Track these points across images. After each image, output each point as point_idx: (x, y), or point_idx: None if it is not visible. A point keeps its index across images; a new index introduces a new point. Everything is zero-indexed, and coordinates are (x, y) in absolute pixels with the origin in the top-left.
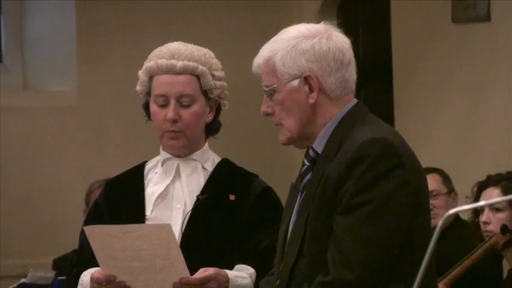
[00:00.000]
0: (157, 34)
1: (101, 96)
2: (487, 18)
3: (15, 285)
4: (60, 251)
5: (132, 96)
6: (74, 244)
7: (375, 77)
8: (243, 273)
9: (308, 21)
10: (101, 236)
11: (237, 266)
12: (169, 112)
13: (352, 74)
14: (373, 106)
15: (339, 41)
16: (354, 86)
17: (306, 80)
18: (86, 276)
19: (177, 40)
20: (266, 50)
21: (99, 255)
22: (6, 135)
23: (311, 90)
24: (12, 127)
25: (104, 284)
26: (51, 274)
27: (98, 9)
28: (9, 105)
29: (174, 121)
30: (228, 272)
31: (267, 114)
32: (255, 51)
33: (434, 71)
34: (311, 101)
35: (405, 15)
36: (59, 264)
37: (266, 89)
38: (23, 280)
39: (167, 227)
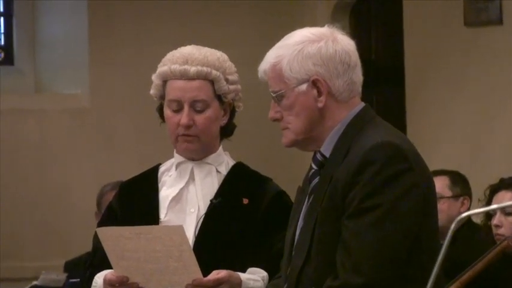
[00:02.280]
0: (170, 36)
1: (113, 99)
2: (499, 21)
3: (28, 287)
4: (71, 254)
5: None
6: (85, 247)
7: (387, 80)
8: (255, 276)
9: (321, 25)
10: (113, 237)
11: (250, 269)
12: (183, 118)
13: (358, 76)
14: (385, 109)
15: (345, 43)
16: (360, 88)
17: (314, 83)
18: (100, 278)
19: (190, 43)
20: (272, 56)
21: (111, 257)
22: (18, 138)
23: (319, 93)
24: (25, 129)
25: (116, 285)
26: (62, 277)
27: (110, 11)
28: (22, 107)
29: (188, 126)
30: (241, 274)
31: (275, 120)
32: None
33: (446, 74)
34: (320, 104)
35: (417, 19)
36: (70, 267)
37: (274, 94)
38: (34, 283)
39: (179, 229)
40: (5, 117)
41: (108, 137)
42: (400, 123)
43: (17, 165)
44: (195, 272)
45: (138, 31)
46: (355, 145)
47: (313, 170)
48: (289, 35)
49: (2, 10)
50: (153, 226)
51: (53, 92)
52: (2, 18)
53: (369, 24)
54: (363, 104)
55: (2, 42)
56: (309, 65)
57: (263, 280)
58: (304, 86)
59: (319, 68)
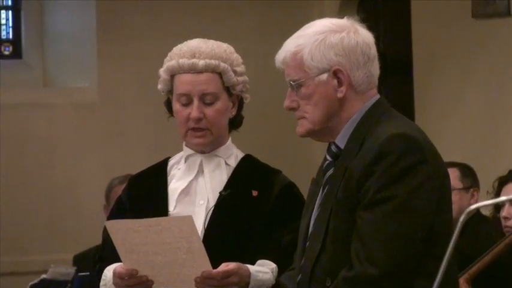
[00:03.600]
0: (177, 30)
1: (122, 93)
2: (507, 13)
3: (36, 281)
4: (80, 247)
5: (152, 92)
6: (94, 240)
7: (396, 72)
8: (264, 268)
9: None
10: (122, 230)
11: (259, 261)
12: (194, 111)
13: (376, 68)
14: (393, 101)
15: (365, 35)
16: (377, 81)
17: (335, 74)
18: (109, 271)
19: (196, 36)
20: (292, 45)
21: (120, 250)
22: (26, 132)
23: (340, 84)
24: (33, 123)
25: (126, 278)
26: (71, 270)
27: (118, 5)
28: (30, 101)
29: (199, 119)
30: (250, 266)
31: (291, 109)
32: (276, 48)
33: (454, 66)
34: (340, 95)
35: (425, 11)
36: (79, 261)
37: (293, 83)
38: (43, 276)
39: (188, 219)
40: (13, 111)
41: (116, 130)
42: (409, 116)
43: (25, 159)
44: (204, 264)
45: (146, 25)
46: (370, 136)
47: (327, 161)
48: (309, 24)
49: (10, 4)
50: (162, 217)
51: (61, 85)
52: (10, 12)
53: (376, 17)
54: (378, 96)
55: (10, 36)
56: (331, 55)
57: (272, 272)
58: (324, 76)
59: (341, 59)
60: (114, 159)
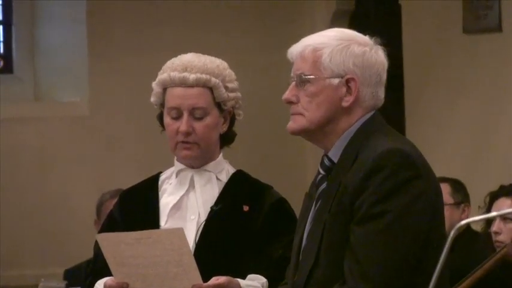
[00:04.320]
0: (169, 44)
1: (113, 107)
2: (499, 28)
3: None
4: (71, 262)
5: (143, 106)
6: (85, 254)
7: (386, 87)
8: (255, 282)
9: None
10: (113, 243)
11: (250, 276)
12: (183, 125)
13: (382, 92)
14: (384, 116)
15: (383, 58)
16: (380, 104)
17: (347, 82)
18: (100, 285)
19: (189, 50)
20: (314, 41)
21: (111, 263)
22: (17, 145)
23: (348, 93)
24: (24, 137)
25: None
26: (62, 285)
27: (109, 19)
28: (21, 115)
29: (187, 133)
30: (240, 281)
31: (289, 102)
32: (267, 61)
33: (445, 82)
34: (345, 104)
35: (416, 26)
36: (70, 275)
37: (303, 76)
38: None
39: (179, 231)
40: (4, 125)
41: (107, 144)
42: (399, 130)
43: (16, 173)
44: (195, 278)
45: (137, 39)
46: (364, 151)
47: (320, 175)
48: (333, 29)
49: (1, 18)
50: (153, 230)
51: (53, 99)
52: (1, 27)
53: (367, 30)
54: (373, 111)
55: (1, 51)
56: (350, 63)
57: (262, 286)
58: (336, 81)
59: (357, 70)
60: (105, 173)
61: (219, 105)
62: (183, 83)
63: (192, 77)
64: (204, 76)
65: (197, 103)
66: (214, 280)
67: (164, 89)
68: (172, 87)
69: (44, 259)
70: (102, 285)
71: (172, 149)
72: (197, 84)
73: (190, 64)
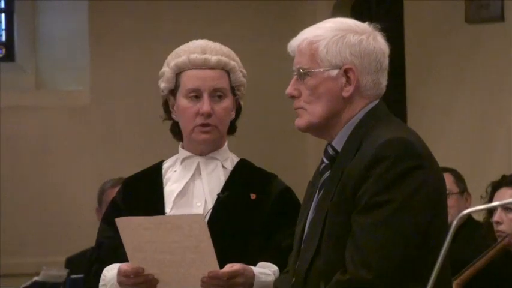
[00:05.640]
0: (171, 34)
1: (114, 96)
2: (501, 18)
3: (28, 283)
4: (73, 250)
5: (145, 95)
6: (86, 242)
7: (388, 77)
8: (267, 270)
9: None
10: (131, 228)
11: (260, 263)
12: (205, 106)
13: (385, 79)
14: (385, 105)
15: (382, 44)
16: (383, 92)
17: (346, 72)
18: (108, 271)
19: (190, 40)
20: (310, 34)
21: (128, 248)
22: (19, 135)
23: (348, 83)
24: (25, 126)
25: (131, 276)
26: (63, 272)
27: (111, 8)
28: (22, 104)
29: (209, 115)
30: (253, 268)
31: (292, 97)
32: (268, 51)
33: (447, 71)
34: (345, 94)
35: (418, 16)
36: (71, 263)
37: (301, 70)
38: (35, 278)
39: (200, 217)
40: (5, 114)
41: (108, 134)
42: (401, 118)
43: (17, 162)
44: (212, 264)
45: (139, 28)
46: (367, 140)
47: (324, 164)
48: (331, 19)
49: (3, 7)
50: (174, 215)
51: (54, 89)
52: (3, 15)
53: (369, 20)
54: (377, 101)
55: (3, 39)
56: (346, 53)
57: (274, 274)
58: (334, 72)
59: (355, 59)
60: (106, 162)
61: (233, 89)
62: (205, 65)
63: (213, 58)
64: (224, 58)
65: (218, 84)
66: (230, 267)
67: (177, 74)
68: (191, 70)
69: (45, 247)
70: (111, 272)
71: (189, 132)
72: (217, 66)
73: (208, 47)
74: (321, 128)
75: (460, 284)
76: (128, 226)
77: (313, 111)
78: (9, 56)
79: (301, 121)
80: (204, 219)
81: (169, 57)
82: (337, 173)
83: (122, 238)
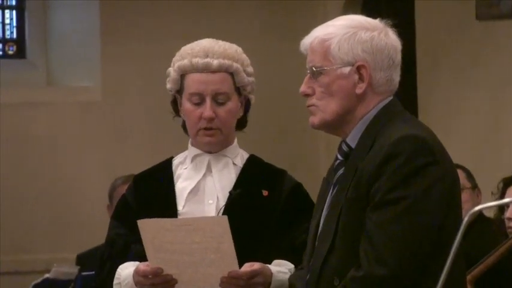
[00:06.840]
0: (181, 30)
1: (125, 92)
2: (511, 15)
3: (39, 280)
4: (83, 247)
5: (156, 92)
6: (97, 239)
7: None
8: (283, 268)
9: None
10: (153, 229)
11: (276, 261)
12: (207, 110)
13: (397, 75)
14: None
15: (394, 40)
16: (396, 87)
17: (358, 69)
18: (123, 270)
19: (200, 36)
20: (321, 31)
21: (148, 248)
22: (30, 131)
23: (361, 80)
24: (37, 123)
25: (150, 276)
26: (74, 269)
27: (122, 5)
28: (34, 100)
29: (211, 119)
30: (271, 267)
31: (306, 95)
32: (280, 48)
33: (457, 68)
34: (358, 91)
35: (429, 13)
36: (83, 260)
37: (314, 69)
38: (46, 275)
39: (223, 220)
40: (17, 110)
41: (119, 130)
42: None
43: (28, 158)
44: (232, 265)
45: (150, 24)
46: (381, 137)
47: (338, 161)
48: (341, 17)
49: (14, 3)
50: (197, 217)
51: (65, 85)
52: (14, 12)
53: (380, 18)
54: (390, 98)
55: (14, 36)
56: (358, 50)
57: (290, 272)
58: (347, 69)
59: (367, 56)
60: (117, 158)
61: (238, 90)
62: (206, 69)
63: (215, 62)
64: (226, 61)
65: (220, 88)
66: (249, 266)
67: (182, 76)
68: (194, 73)
69: (56, 244)
70: (126, 271)
71: (193, 135)
72: (220, 69)
73: (211, 49)
74: (335, 125)
75: (471, 281)
76: (150, 227)
77: (326, 108)
78: (21, 53)
79: (315, 119)
80: (227, 222)
81: (175, 57)
82: (351, 170)
83: (143, 239)
